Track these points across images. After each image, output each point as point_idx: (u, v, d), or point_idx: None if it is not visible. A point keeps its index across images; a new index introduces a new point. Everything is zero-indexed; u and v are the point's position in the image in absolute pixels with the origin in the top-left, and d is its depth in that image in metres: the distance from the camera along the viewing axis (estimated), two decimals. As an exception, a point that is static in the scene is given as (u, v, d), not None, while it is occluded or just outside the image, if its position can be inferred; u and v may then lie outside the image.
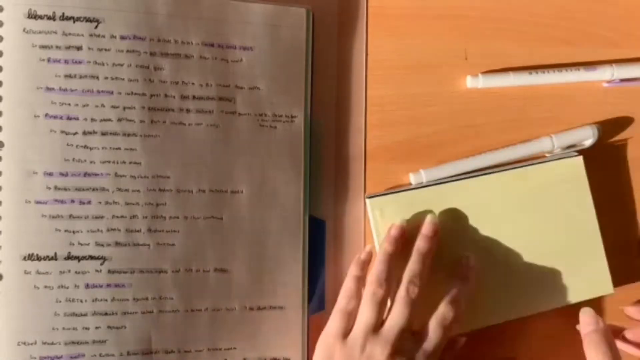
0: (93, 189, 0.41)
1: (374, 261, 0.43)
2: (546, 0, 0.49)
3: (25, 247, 0.40)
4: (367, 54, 0.47)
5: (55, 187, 0.40)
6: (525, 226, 0.46)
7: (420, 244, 0.43)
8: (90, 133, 0.41)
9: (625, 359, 0.43)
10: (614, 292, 0.47)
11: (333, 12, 0.46)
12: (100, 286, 0.41)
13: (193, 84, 0.43)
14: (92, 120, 0.41)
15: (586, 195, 0.47)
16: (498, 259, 0.45)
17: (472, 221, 0.45)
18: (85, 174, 0.41)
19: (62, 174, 0.41)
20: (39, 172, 0.40)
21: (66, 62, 0.41)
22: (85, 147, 0.41)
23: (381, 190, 0.46)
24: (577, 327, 0.43)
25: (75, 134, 0.41)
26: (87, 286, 0.41)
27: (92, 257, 0.41)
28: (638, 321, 0.46)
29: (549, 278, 0.46)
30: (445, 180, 0.46)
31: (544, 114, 0.49)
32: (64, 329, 0.40)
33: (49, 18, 0.40)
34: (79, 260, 0.41)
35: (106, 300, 0.41)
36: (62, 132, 0.40)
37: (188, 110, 0.42)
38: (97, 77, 0.41)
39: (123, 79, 0.41)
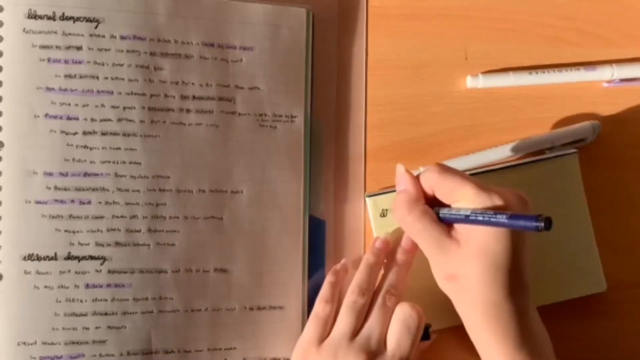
0: (93, 189, 0.41)
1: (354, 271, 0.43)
2: (546, 1, 0.49)
3: (25, 247, 0.40)
4: (367, 54, 0.47)
5: (55, 187, 0.40)
6: None
7: (399, 256, 0.43)
8: (90, 133, 0.41)
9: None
10: (607, 290, 0.47)
11: (333, 12, 0.46)
12: (100, 286, 0.41)
13: (193, 84, 0.43)
14: (92, 120, 0.41)
15: (580, 192, 0.47)
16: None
17: None
18: (85, 174, 0.41)
19: (62, 174, 0.41)
20: (39, 172, 0.40)
21: (66, 62, 0.41)
22: (85, 147, 0.41)
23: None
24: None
25: (75, 134, 0.41)
26: (87, 286, 0.41)
27: (92, 257, 0.41)
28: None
29: (542, 274, 0.46)
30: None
31: (544, 114, 0.49)
32: (64, 329, 0.40)
33: (49, 18, 0.40)
34: (79, 260, 0.41)
35: (106, 300, 0.41)
36: (62, 132, 0.40)
37: (188, 110, 0.42)
38: (97, 77, 0.41)
39: (123, 79, 0.41)
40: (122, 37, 0.41)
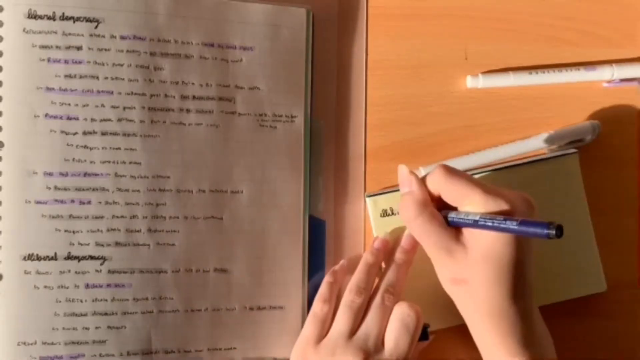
0: (93, 189, 0.41)
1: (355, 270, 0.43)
2: (546, 1, 0.49)
3: (25, 247, 0.40)
4: (367, 54, 0.47)
5: (55, 187, 0.40)
6: None
7: (398, 256, 0.43)
8: (90, 133, 0.41)
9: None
10: (607, 290, 0.47)
11: (333, 12, 0.46)
12: (100, 286, 0.41)
13: (193, 84, 0.43)
14: (92, 120, 0.41)
15: (580, 192, 0.47)
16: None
17: None
18: (85, 174, 0.41)
19: (62, 174, 0.41)
20: (39, 172, 0.40)
21: (66, 62, 0.41)
22: (85, 147, 0.41)
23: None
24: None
25: (75, 134, 0.41)
26: (87, 286, 0.41)
27: (92, 257, 0.41)
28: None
29: (542, 274, 0.46)
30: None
31: (544, 113, 0.49)
32: (64, 329, 0.40)
33: (49, 18, 0.40)
34: (79, 260, 0.41)
35: (106, 300, 0.41)
36: (62, 132, 0.40)
37: (188, 110, 0.42)
38: (97, 77, 0.41)
39: (123, 79, 0.41)
40: (122, 37, 0.41)
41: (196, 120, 0.43)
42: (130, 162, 0.41)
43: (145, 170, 0.42)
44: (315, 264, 0.45)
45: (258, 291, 0.44)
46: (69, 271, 0.40)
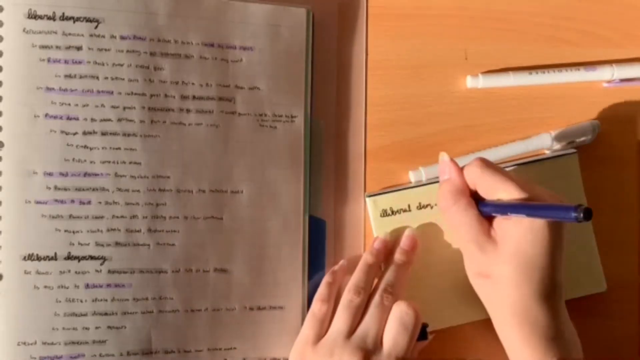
0: (93, 189, 0.41)
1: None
2: (546, 1, 0.49)
3: (25, 247, 0.40)
4: (367, 54, 0.47)
5: (55, 187, 0.40)
6: None
7: (398, 256, 0.43)
8: (90, 133, 0.41)
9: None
10: (607, 290, 0.47)
11: (333, 12, 0.46)
12: (100, 286, 0.41)
13: (193, 84, 0.43)
14: (92, 120, 0.41)
15: (580, 192, 0.47)
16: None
17: None
18: (85, 174, 0.41)
19: (62, 174, 0.41)
20: (39, 172, 0.40)
21: (66, 62, 0.41)
22: (85, 147, 0.41)
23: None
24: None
25: (75, 134, 0.41)
26: (87, 286, 0.41)
27: (92, 257, 0.41)
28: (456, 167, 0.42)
29: None
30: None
31: (544, 114, 0.49)
32: (64, 329, 0.40)
33: (49, 18, 0.40)
34: (79, 260, 0.41)
35: (106, 300, 0.41)
36: (62, 132, 0.40)
37: (188, 110, 0.42)
38: (97, 77, 0.41)
39: (123, 79, 0.41)
40: (122, 37, 0.41)
41: (196, 120, 0.43)
42: (130, 162, 0.41)
43: (145, 170, 0.42)
44: (315, 264, 0.45)
45: (258, 291, 0.44)
46: (69, 271, 0.40)
